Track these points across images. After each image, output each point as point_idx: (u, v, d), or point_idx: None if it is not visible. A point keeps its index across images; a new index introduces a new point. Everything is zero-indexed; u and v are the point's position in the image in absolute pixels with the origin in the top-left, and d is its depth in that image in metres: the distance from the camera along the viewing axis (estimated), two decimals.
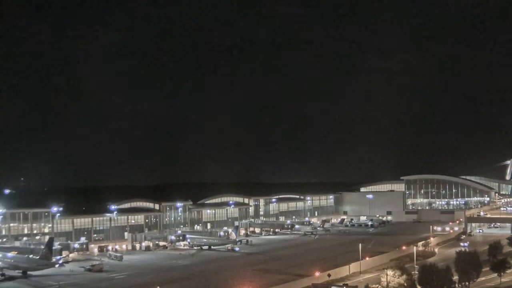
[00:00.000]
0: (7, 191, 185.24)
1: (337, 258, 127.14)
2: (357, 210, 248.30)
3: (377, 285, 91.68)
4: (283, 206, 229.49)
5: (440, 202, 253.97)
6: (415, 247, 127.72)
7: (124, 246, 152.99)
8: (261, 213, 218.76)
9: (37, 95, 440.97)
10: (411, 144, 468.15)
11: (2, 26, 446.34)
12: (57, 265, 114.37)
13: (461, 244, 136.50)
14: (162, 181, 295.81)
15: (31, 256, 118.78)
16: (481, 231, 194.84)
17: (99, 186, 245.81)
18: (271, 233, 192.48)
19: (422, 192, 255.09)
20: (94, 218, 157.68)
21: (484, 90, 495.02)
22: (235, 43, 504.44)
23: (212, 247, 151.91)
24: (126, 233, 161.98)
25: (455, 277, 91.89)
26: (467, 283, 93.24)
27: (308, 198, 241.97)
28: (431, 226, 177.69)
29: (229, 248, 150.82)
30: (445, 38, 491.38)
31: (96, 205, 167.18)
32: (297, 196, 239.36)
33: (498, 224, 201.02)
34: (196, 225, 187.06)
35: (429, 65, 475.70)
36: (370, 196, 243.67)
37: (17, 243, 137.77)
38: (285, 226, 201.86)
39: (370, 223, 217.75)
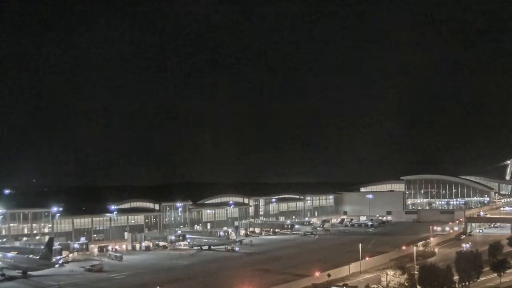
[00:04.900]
0: (7, 191, 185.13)
1: (337, 258, 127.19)
2: (357, 210, 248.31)
3: (377, 285, 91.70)
4: (283, 206, 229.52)
5: (440, 202, 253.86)
6: (415, 247, 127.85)
7: (124, 246, 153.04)
8: (261, 213, 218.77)
9: (37, 95, 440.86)
10: (411, 144, 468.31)
11: (2, 25, 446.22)
12: (57, 265, 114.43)
13: (463, 245, 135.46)
14: (162, 181, 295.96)
15: (31, 256, 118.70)
16: (481, 231, 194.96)
17: (99, 186, 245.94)
18: (271, 233, 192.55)
19: (422, 192, 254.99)
20: (94, 218, 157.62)
21: (484, 90, 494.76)
22: (236, 43, 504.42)
23: (212, 247, 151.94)
24: (126, 233, 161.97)
25: (456, 277, 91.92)
26: (467, 283, 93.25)
27: (308, 198, 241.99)
28: (431, 226, 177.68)
29: (229, 248, 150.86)
30: (445, 38, 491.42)
31: (96, 205, 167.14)
32: (297, 196, 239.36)
33: (498, 224, 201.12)
34: (196, 225, 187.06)
35: (429, 65, 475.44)
36: (370, 196, 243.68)
37: (17, 243, 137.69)
38: (285, 226, 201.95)
39: (370, 223, 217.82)
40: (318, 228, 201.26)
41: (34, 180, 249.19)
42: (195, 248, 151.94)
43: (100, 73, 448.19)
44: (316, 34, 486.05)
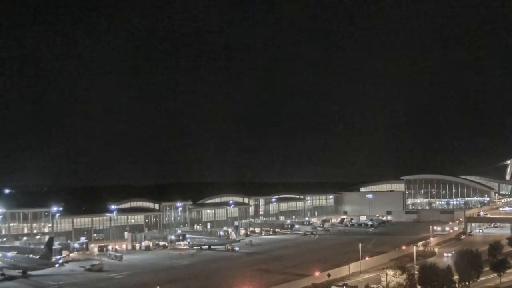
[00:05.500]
0: (7, 191, 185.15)
1: (337, 258, 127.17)
2: (357, 210, 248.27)
3: (377, 285, 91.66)
4: (283, 206, 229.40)
5: (440, 202, 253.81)
6: (415, 247, 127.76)
7: (124, 246, 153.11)
8: (261, 213, 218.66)
9: (37, 95, 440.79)
10: (411, 144, 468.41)
11: (2, 25, 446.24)
12: (57, 265, 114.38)
13: (445, 254, 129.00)
14: (162, 181, 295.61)
15: (31, 255, 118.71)
16: (481, 231, 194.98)
17: (99, 186, 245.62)
18: (271, 233, 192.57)
19: (422, 192, 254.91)
20: (94, 218, 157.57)
21: (484, 90, 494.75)
22: (236, 43, 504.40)
23: (212, 247, 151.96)
24: (126, 233, 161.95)
25: (456, 277, 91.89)
26: (467, 283, 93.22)
27: (308, 198, 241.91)
28: (431, 226, 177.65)
29: (229, 248, 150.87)
30: (445, 38, 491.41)
31: (96, 205, 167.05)
32: (297, 196, 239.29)
33: (498, 224, 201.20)
34: (196, 225, 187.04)
35: (429, 65, 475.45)
36: (370, 196, 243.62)
37: (17, 243, 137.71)
38: (285, 226, 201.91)
39: (370, 223, 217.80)
40: (318, 228, 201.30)
41: (39, 182, 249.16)
42: (195, 247, 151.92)
43: (100, 73, 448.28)
44: (316, 34, 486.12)
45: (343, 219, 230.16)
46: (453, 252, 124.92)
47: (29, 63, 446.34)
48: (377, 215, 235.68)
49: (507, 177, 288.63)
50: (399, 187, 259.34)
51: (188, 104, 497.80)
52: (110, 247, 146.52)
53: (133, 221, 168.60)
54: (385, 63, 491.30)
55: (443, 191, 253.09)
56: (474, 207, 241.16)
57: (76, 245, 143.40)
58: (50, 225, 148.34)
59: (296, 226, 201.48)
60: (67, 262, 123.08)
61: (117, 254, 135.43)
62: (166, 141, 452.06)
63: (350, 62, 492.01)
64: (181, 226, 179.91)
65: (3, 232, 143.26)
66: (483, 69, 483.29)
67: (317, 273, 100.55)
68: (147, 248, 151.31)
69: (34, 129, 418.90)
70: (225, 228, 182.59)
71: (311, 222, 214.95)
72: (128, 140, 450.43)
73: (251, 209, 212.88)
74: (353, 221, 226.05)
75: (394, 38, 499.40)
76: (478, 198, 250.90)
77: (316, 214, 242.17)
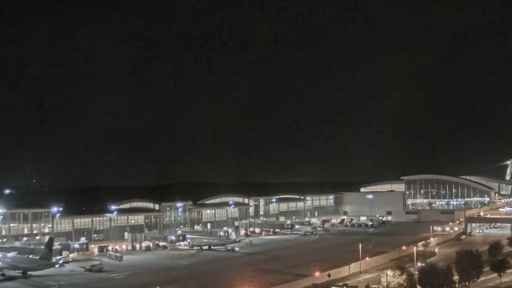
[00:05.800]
0: (7, 192, 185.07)
1: (337, 258, 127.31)
2: (357, 210, 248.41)
3: (377, 285, 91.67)
4: (283, 206, 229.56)
5: (440, 202, 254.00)
6: (415, 247, 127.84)
7: (124, 246, 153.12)
8: (261, 213, 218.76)
9: (37, 94, 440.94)
10: (411, 144, 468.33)
11: (2, 24, 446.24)
12: (57, 265, 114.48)
13: (419, 264, 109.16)
14: (162, 181, 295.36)
15: (31, 256, 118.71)
16: (481, 231, 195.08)
17: (99, 186, 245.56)
18: (271, 233, 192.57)
19: (422, 192, 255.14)
20: (94, 218, 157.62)
21: (484, 90, 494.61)
22: (235, 43, 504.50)
23: (212, 247, 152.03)
24: (126, 233, 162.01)
25: (456, 277, 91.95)
26: (467, 283, 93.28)
27: (308, 198, 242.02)
28: (431, 226, 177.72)
29: (229, 248, 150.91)
30: (445, 38, 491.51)
31: (96, 205, 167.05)
32: (297, 196, 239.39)
33: (498, 224, 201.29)
34: (196, 225, 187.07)
35: (429, 65, 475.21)
36: (370, 196, 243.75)
37: (17, 243, 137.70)
38: (285, 226, 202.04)
39: (370, 223, 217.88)
40: (318, 228, 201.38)
41: (34, 180, 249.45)
42: (195, 248, 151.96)
43: (100, 73, 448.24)
44: (316, 33, 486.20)
45: (343, 219, 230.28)
46: (419, 264, 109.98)
47: (29, 63, 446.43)
48: (377, 215, 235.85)
49: (507, 177, 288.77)
50: (399, 187, 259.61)
51: (188, 104, 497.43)
52: (110, 248, 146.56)
53: (133, 221, 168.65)
54: (385, 62, 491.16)
55: (443, 191, 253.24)
56: (474, 207, 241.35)
57: (76, 246, 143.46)
58: (50, 225, 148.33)
59: (296, 226, 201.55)
60: (67, 262, 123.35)
61: (117, 255, 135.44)
62: (166, 141, 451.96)
63: (350, 62, 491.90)
64: (181, 226, 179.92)
65: (3, 233, 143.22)
66: (483, 69, 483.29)
67: (317, 273, 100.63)
68: (147, 248, 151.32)
69: (34, 129, 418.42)
70: (225, 228, 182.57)
71: (311, 222, 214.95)
72: (128, 140, 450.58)
73: (251, 210, 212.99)
74: (353, 221, 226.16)
75: (394, 38, 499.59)
76: (478, 198, 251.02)
77: (316, 214, 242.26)
